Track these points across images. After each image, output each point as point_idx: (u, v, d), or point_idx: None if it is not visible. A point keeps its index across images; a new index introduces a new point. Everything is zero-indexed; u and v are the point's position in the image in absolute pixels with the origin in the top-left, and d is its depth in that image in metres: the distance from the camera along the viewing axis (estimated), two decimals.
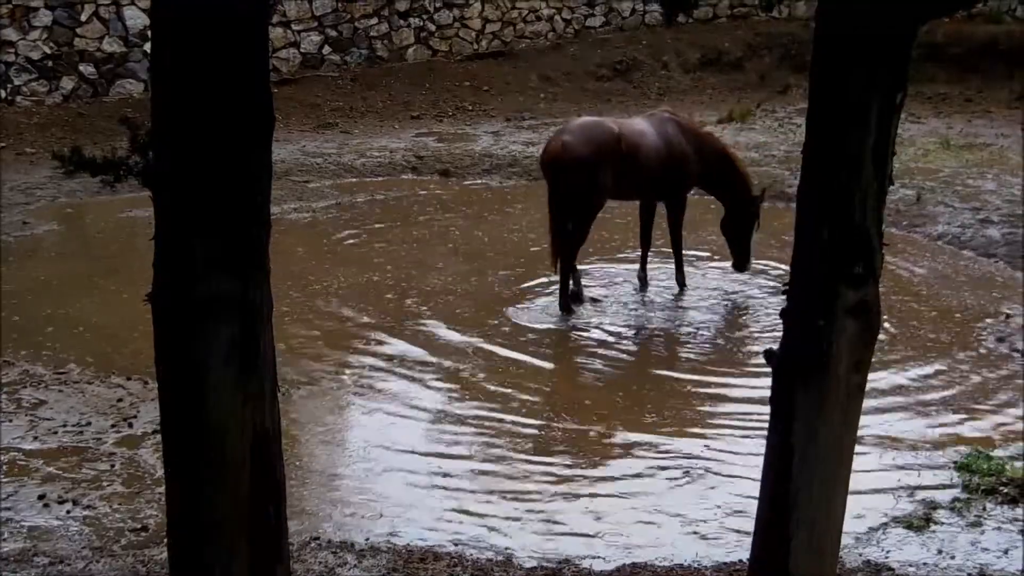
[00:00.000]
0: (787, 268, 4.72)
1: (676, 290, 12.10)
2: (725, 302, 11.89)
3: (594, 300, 11.74)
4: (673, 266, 12.23)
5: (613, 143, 11.09)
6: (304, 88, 21.68)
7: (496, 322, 11.20)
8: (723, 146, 12.10)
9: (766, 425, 4.76)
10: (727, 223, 12.10)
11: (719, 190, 12.13)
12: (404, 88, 22.19)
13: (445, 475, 8.08)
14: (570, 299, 11.57)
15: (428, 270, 12.88)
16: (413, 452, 8.48)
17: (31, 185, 16.28)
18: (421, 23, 23.16)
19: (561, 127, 12.31)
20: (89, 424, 8.80)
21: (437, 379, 9.86)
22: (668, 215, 12.09)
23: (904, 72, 4.31)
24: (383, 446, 8.56)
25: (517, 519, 7.45)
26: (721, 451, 8.46)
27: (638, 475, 8.12)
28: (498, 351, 10.47)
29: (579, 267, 11.68)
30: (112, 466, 8.12)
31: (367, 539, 7.09)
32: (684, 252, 12.26)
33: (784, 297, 4.63)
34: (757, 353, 10.08)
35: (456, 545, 7.04)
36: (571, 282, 11.61)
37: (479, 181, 17.41)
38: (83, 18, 20.41)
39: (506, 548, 7.02)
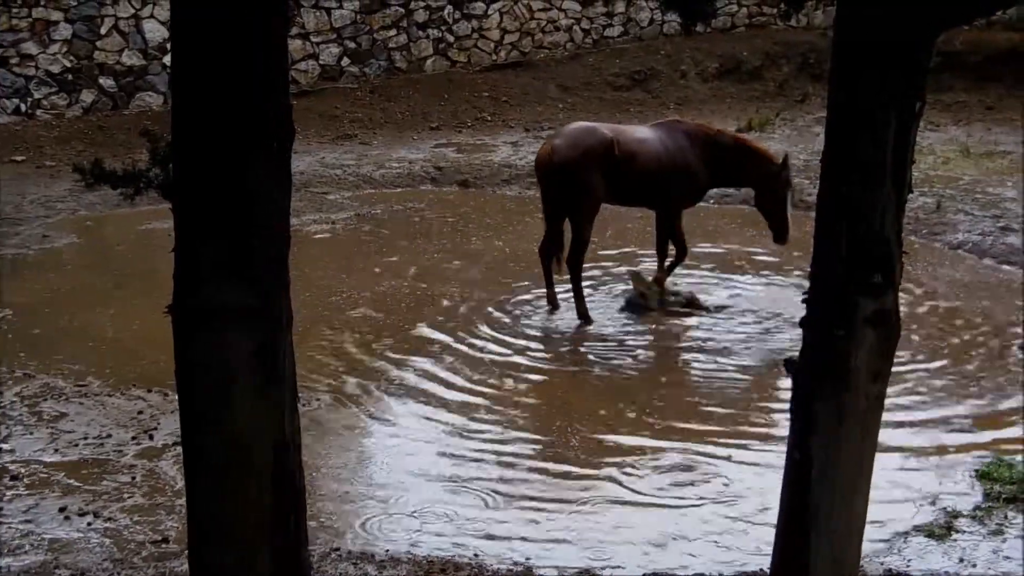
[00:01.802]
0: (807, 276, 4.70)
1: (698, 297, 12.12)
2: (744, 310, 11.86)
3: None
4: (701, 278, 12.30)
5: (603, 148, 11.14)
6: (323, 100, 21.70)
7: (515, 332, 11.21)
8: (733, 136, 12.06)
9: (787, 434, 4.76)
10: (760, 199, 12.01)
11: (746, 179, 12.05)
12: (423, 99, 22.19)
13: (464, 485, 8.08)
14: (548, 302, 11.81)
15: (448, 281, 12.89)
16: (432, 463, 8.49)
17: (51, 198, 16.32)
18: (439, 34, 23.17)
19: (555, 132, 12.38)
20: (109, 436, 8.82)
21: (455, 389, 9.86)
22: (664, 219, 12.08)
23: (922, 80, 4.31)
24: (402, 457, 8.57)
25: (536, 529, 7.44)
26: (742, 460, 8.44)
27: (657, 484, 8.11)
28: (516, 361, 10.48)
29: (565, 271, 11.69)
30: (133, 478, 8.14)
31: (387, 550, 7.10)
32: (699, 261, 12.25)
33: (804, 306, 4.63)
34: (778, 362, 10.06)
35: (476, 555, 7.04)
36: (551, 283, 11.84)
37: (499, 191, 17.41)
38: (102, 31, 20.47)
39: (526, 558, 7.02)
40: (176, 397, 4.50)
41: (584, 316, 11.41)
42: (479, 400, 9.64)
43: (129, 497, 7.85)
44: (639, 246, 13.87)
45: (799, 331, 4.66)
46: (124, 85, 20.70)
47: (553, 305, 11.79)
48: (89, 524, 7.44)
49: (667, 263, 12.08)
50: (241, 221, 4.18)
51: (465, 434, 8.98)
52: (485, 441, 8.85)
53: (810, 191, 14.89)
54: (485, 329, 11.29)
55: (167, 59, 18.26)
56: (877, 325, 4.43)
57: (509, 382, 10.01)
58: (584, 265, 11.57)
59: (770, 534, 4.98)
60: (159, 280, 4.82)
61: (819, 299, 4.51)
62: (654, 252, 12.33)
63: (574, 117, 20.37)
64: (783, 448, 4.82)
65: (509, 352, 10.70)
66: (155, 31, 20.56)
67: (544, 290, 11.94)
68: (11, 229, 14.82)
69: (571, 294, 11.57)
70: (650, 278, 12.02)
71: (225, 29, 4.07)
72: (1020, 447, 8.61)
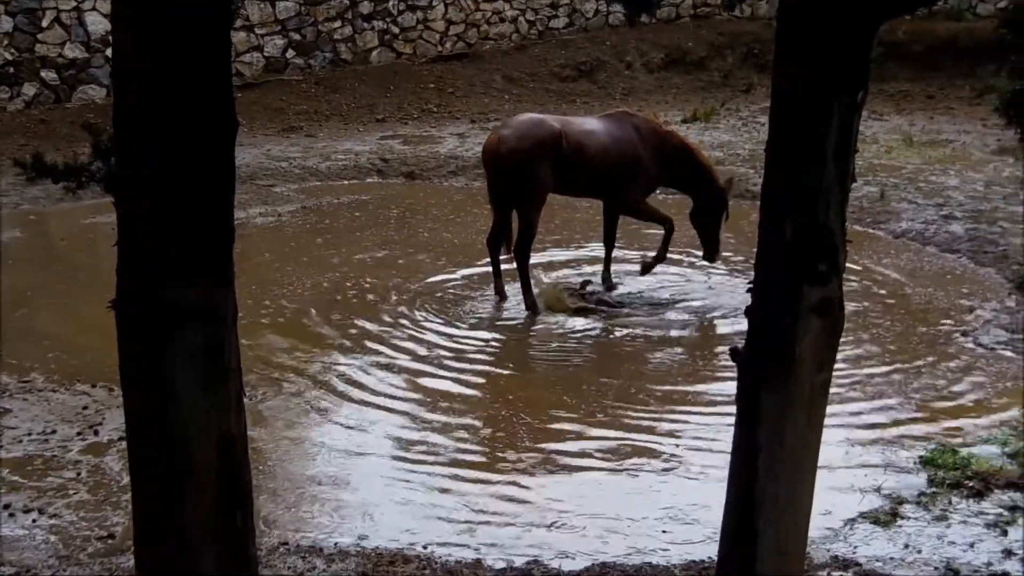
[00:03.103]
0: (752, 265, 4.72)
1: (643, 288, 12.14)
2: (690, 300, 11.91)
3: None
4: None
5: (551, 139, 11.18)
6: (268, 92, 21.62)
7: (463, 323, 11.22)
8: (682, 140, 12.12)
9: (733, 423, 4.78)
10: (696, 214, 12.13)
11: (685, 185, 12.16)
12: (369, 91, 22.15)
13: (412, 478, 8.07)
14: (495, 293, 11.85)
15: (395, 272, 12.87)
16: (380, 456, 8.47)
17: None
18: (385, 26, 23.12)
19: (503, 122, 12.42)
20: (54, 432, 8.75)
21: (402, 381, 9.84)
22: (625, 215, 12.15)
23: (865, 70, 4.33)
24: (349, 450, 8.54)
25: (485, 521, 7.44)
26: (690, 450, 8.47)
27: (607, 473, 8.13)
28: (463, 352, 10.48)
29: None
30: (78, 474, 8.07)
31: (336, 543, 7.08)
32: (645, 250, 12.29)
33: (749, 295, 4.64)
34: (725, 351, 10.11)
35: (425, 548, 7.03)
36: (499, 274, 11.89)
37: (445, 183, 17.41)
38: (44, 24, 20.30)
39: (475, 550, 7.02)
40: (121, 392, 4.46)
41: (531, 307, 11.42)
42: (426, 392, 9.63)
43: (74, 493, 7.79)
44: (585, 236, 13.93)
45: (744, 319, 4.68)
46: (66, 78, 20.54)
47: (501, 296, 11.80)
48: (34, 521, 7.38)
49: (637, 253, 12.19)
50: (207, 218, 4.16)
51: (412, 426, 8.97)
52: (432, 433, 8.85)
53: (756, 180, 15.01)
54: (432, 320, 11.28)
55: (109, 51, 18.13)
56: (822, 313, 4.45)
57: (456, 373, 10.00)
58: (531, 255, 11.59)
59: (718, 522, 5.00)
60: (103, 275, 4.78)
61: (764, 288, 4.53)
62: (601, 242, 12.42)
63: (520, 108, 20.41)
64: (730, 437, 4.83)
65: (456, 343, 10.69)
66: (97, 23, 20.41)
67: (492, 280, 11.96)
68: None
69: (519, 284, 11.58)
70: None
71: (211, 27, 4.07)
72: (963, 432, 8.71)
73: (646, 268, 12.17)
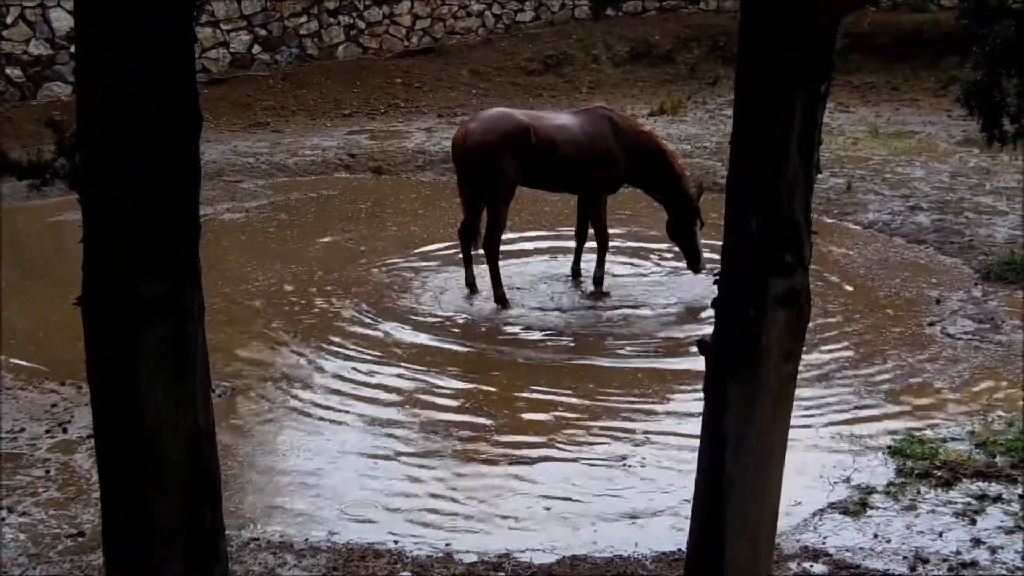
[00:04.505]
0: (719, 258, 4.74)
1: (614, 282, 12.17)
2: (658, 291, 11.94)
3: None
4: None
5: (517, 132, 11.18)
6: (234, 88, 21.52)
7: (434, 317, 11.21)
8: (659, 144, 12.07)
9: (701, 414, 4.80)
10: (672, 226, 12.07)
11: (653, 186, 12.12)
12: (335, 86, 22.08)
13: (382, 473, 8.07)
14: (466, 286, 11.87)
15: (364, 266, 12.84)
16: (349, 451, 8.46)
17: None
18: (351, 20, 23.05)
19: (471, 116, 12.42)
20: (23, 430, 8.70)
21: (371, 376, 9.83)
22: (589, 209, 12.10)
23: (829, 61, 4.35)
24: (319, 446, 8.53)
25: (456, 514, 7.45)
26: (659, 441, 8.49)
27: (576, 466, 8.14)
28: (432, 346, 10.48)
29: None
30: (47, 472, 8.04)
31: (306, 538, 7.07)
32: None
33: (715, 287, 4.67)
34: (692, 343, 10.13)
35: (396, 542, 7.03)
36: (470, 266, 11.90)
37: (413, 177, 17.38)
38: (8, 21, 20.14)
39: (446, 544, 7.03)
40: (88, 389, 4.44)
41: (501, 300, 11.42)
42: (394, 387, 9.62)
43: (44, 491, 7.75)
44: (553, 228, 13.95)
45: (711, 312, 4.70)
46: (32, 75, 20.39)
47: (472, 289, 11.79)
48: (3, 519, 7.34)
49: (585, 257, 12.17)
50: (174, 214, 4.17)
51: (383, 421, 8.96)
52: (403, 427, 8.84)
53: (723, 173, 15.02)
54: (403, 314, 11.26)
55: (74, 48, 18.02)
56: (788, 305, 4.47)
57: (424, 367, 9.99)
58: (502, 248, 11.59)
59: (688, 514, 5.02)
60: (70, 271, 4.76)
61: (730, 279, 4.55)
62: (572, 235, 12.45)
63: (487, 103, 20.43)
64: (699, 428, 4.85)
65: (427, 337, 10.69)
66: (62, 20, 20.25)
67: (462, 277, 11.96)
68: None
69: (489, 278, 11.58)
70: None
71: (183, 25, 4.08)
72: (931, 422, 8.76)
73: (597, 283, 12.11)
